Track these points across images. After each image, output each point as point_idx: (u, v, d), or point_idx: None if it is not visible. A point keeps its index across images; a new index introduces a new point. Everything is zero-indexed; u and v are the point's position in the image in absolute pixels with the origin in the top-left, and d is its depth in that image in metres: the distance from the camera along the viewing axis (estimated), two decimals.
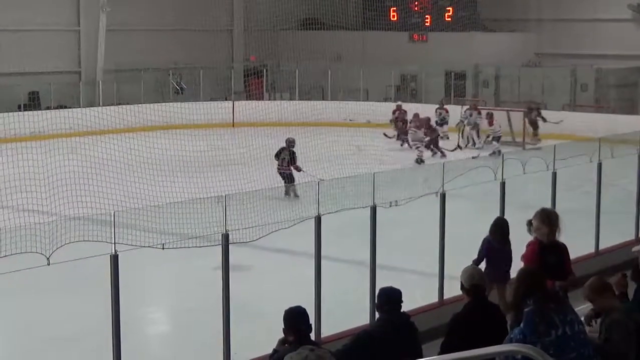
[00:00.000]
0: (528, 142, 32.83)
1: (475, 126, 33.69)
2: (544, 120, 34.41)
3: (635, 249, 8.56)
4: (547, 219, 9.66)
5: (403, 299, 8.41)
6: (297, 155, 24.02)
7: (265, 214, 12.97)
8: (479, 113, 33.94)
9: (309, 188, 13.00)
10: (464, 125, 34.08)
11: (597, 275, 8.20)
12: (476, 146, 32.54)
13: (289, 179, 23.07)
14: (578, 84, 41.08)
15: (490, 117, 32.37)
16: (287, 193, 21.74)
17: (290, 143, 24.30)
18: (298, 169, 23.68)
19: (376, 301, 8.57)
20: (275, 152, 24.34)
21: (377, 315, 8.72)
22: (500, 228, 13.19)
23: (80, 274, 13.95)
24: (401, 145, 33.71)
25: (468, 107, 34.93)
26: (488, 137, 31.99)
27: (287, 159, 23.74)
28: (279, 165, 23.87)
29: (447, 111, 35.89)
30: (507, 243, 13.28)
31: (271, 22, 43.31)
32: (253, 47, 45.41)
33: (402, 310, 8.45)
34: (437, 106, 36.47)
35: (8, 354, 13.75)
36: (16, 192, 19.66)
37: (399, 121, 34.63)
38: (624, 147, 19.45)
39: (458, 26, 45.55)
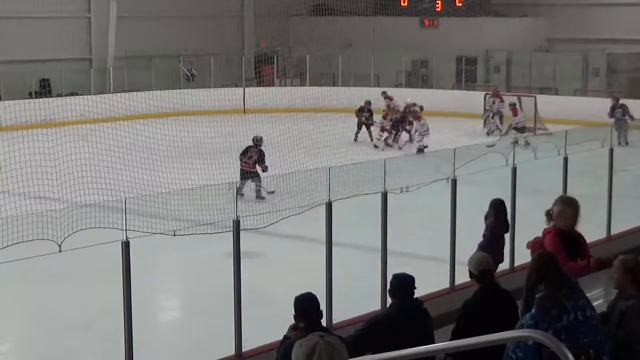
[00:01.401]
0: (539, 127, 32.75)
1: (499, 113, 33.53)
2: (632, 118, 29.39)
3: None
4: (570, 203, 9.53)
5: (415, 285, 8.41)
6: (265, 154, 22.82)
7: (276, 200, 12.99)
8: (502, 101, 33.73)
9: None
10: (490, 114, 33.80)
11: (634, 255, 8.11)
12: (501, 133, 32.38)
13: (254, 178, 21.69)
14: (590, 69, 40.97)
15: (513, 106, 31.76)
16: (239, 193, 20.35)
17: (258, 142, 22.98)
18: (265, 169, 22.39)
19: (389, 287, 8.57)
20: (243, 149, 22.90)
21: (389, 301, 8.72)
22: (503, 210, 13.36)
23: (91, 261, 14.00)
24: (355, 140, 31.90)
25: (490, 95, 34.54)
26: (510, 126, 31.19)
27: (254, 157, 22.47)
28: (244, 162, 22.49)
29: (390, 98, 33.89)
30: (506, 224, 13.51)
31: (282, 8, 43.29)
32: (263, 34, 45.38)
33: (415, 297, 8.46)
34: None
35: (21, 340, 13.81)
36: (28, 180, 19.69)
37: (365, 111, 32.30)
38: (636, 133, 19.44)
39: (469, 11, 45.42)
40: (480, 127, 33.81)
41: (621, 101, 30.82)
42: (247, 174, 21.79)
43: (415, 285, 8.42)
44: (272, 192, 20.24)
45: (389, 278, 8.73)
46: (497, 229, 13.33)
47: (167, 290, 16.26)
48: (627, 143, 25.99)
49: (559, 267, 7.32)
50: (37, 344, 13.33)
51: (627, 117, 29.70)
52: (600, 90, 38.58)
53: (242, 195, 20.47)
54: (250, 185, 21.28)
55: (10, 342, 13.80)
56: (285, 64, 45.73)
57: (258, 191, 20.86)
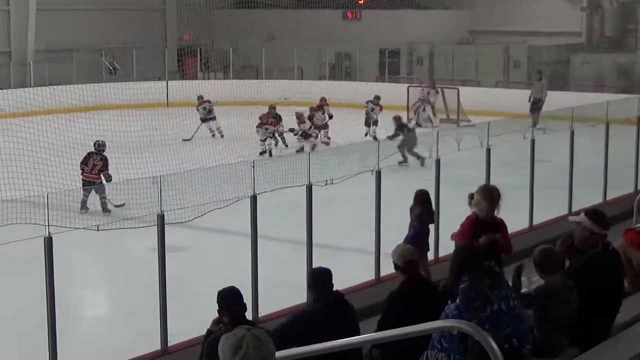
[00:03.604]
0: (462, 119, 33.03)
1: (429, 103, 33.65)
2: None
3: (572, 218, 8.58)
4: (488, 195, 9.70)
5: (341, 277, 8.44)
6: (109, 161, 20.71)
7: (200, 194, 12.94)
8: (437, 92, 33.97)
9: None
10: (421, 103, 33.87)
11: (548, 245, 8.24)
12: (434, 124, 32.48)
13: (98, 189, 19.55)
14: (511, 61, 41.45)
15: (312, 111, 29.09)
16: (83, 207, 19.08)
17: (101, 147, 20.72)
18: (109, 179, 20.29)
19: (308, 283, 8.58)
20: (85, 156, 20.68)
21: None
22: (428, 199, 13.50)
23: (14, 257, 13.81)
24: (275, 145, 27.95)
25: (426, 85, 34.68)
26: (296, 133, 28.37)
27: (99, 166, 20.28)
28: (87, 172, 20.27)
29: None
30: (432, 213, 13.66)
31: (205, 0, 43.07)
32: (186, 27, 45.13)
33: (334, 289, 8.47)
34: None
35: None
36: None
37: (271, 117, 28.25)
38: (556, 124, 19.70)
39: (392, 4, 45.63)
40: (404, 119, 33.93)
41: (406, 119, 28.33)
42: (90, 185, 19.82)
43: (341, 277, 8.46)
44: (121, 205, 18.47)
45: None
46: (425, 219, 13.44)
47: (91, 286, 16.09)
48: (405, 160, 21.80)
49: (481, 258, 7.40)
50: None
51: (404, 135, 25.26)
52: (521, 82, 39.03)
53: (87, 209, 19.23)
54: (95, 197, 19.57)
55: None
56: (209, 56, 45.54)
57: (104, 204, 19.24)
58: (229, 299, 7.87)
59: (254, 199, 11.82)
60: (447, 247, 11.61)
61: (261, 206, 11.91)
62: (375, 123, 30.00)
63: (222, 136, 30.87)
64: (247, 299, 8.09)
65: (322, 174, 13.14)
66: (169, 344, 11.10)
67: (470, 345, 6.39)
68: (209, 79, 42.80)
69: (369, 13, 45.53)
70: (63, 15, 41.95)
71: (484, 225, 9.61)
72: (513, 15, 43.69)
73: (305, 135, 28.08)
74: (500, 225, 9.89)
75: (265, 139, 27.04)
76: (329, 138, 29.00)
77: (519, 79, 39.82)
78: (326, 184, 13.16)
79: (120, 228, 12.38)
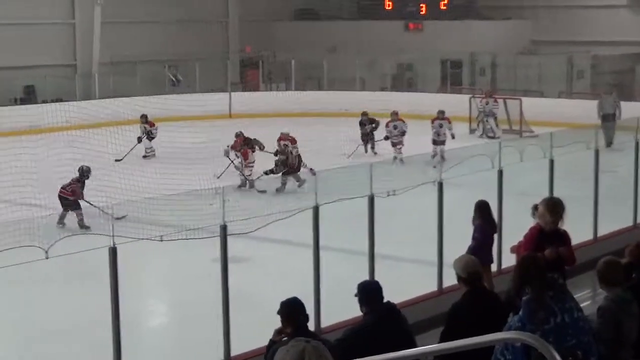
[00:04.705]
0: (525, 129, 32.80)
1: (492, 114, 33.41)
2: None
3: None
4: (553, 208, 9.62)
5: (403, 288, 8.43)
6: (84, 187, 20.04)
7: (263, 205, 13.00)
8: (495, 101, 33.71)
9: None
10: (484, 116, 33.65)
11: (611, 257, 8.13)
12: (496, 135, 32.24)
13: (71, 206, 19.17)
14: (574, 71, 41.09)
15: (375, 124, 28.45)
16: (60, 222, 18.35)
17: (85, 173, 20.24)
18: (91, 203, 18.99)
19: (358, 297, 8.52)
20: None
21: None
22: (489, 210, 13.40)
23: (79, 267, 13.98)
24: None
25: (483, 96, 34.44)
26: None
27: (70, 187, 19.72)
28: (62, 188, 19.80)
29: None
30: (494, 223, 13.56)
31: (266, 12, 43.26)
32: (248, 38, 45.39)
33: (386, 300, 8.44)
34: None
35: (8, 347, 13.75)
36: (14, 186, 19.62)
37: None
38: (621, 134, 19.49)
39: (453, 14, 45.48)
40: (466, 129, 33.78)
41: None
42: (64, 201, 19.46)
43: (403, 288, 8.45)
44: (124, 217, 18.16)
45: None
46: (487, 230, 13.36)
47: (155, 296, 16.23)
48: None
49: (543, 269, 7.35)
50: (24, 351, 13.28)
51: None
52: (585, 93, 38.68)
53: (64, 224, 18.36)
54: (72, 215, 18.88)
55: None
56: (271, 68, 45.71)
57: (80, 221, 18.41)
58: (292, 310, 7.89)
59: (316, 210, 11.84)
60: (510, 259, 11.54)
61: (324, 217, 11.93)
62: (444, 142, 27.75)
63: (153, 155, 28.95)
64: (309, 310, 8.10)
65: (385, 184, 13.14)
66: (231, 354, 11.14)
67: (533, 357, 6.34)
68: (270, 90, 42.96)
69: (430, 24, 45.36)
70: (127, 28, 42.38)
71: (547, 236, 9.55)
72: (576, 25, 43.31)
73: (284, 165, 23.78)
74: (564, 236, 9.81)
75: (242, 170, 23.99)
76: (401, 160, 26.03)
77: (583, 89, 39.44)
78: (388, 195, 13.15)
79: (183, 239, 12.46)
